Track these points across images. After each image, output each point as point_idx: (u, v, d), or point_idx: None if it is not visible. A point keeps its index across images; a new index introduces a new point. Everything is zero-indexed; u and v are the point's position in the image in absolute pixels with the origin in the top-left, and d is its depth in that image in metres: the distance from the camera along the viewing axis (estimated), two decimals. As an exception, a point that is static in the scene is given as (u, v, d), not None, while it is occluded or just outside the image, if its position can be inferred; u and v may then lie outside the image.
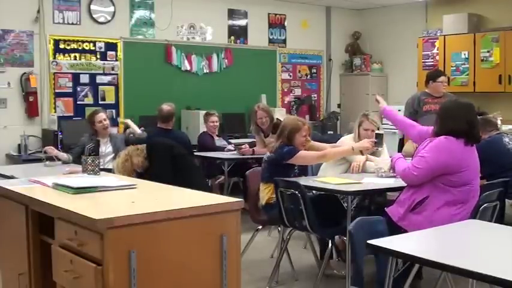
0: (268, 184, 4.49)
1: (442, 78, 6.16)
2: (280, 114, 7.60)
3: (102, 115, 5.78)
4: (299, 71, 9.44)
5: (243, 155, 6.25)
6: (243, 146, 6.36)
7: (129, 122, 6.41)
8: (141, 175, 4.43)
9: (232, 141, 7.23)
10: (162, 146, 4.85)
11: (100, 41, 7.45)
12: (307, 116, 9.38)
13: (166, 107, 6.21)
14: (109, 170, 4.81)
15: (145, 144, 4.82)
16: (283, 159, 4.43)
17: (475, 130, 3.59)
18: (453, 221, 3.37)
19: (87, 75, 7.37)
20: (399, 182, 3.86)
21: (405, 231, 3.41)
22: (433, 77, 6.18)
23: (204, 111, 7.33)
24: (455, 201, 3.51)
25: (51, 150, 5.35)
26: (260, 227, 4.83)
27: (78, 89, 7.32)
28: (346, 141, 4.82)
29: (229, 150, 6.60)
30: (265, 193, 4.52)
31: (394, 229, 3.38)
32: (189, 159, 5.23)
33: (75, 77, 7.29)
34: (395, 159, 3.85)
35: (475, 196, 3.59)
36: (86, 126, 6.01)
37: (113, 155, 5.50)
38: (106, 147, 5.71)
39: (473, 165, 3.59)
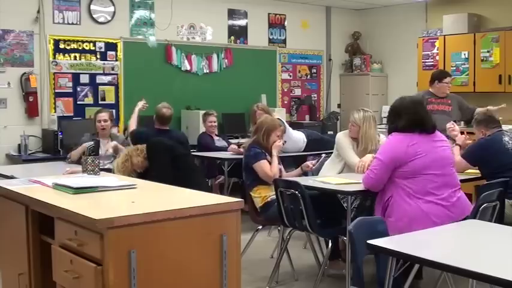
0: (255, 189, 4.65)
1: (447, 79, 6.18)
2: (280, 114, 7.60)
3: (103, 115, 5.69)
4: (299, 71, 9.44)
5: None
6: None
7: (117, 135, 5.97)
8: (141, 175, 4.43)
9: (233, 141, 7.22)
10: (162, 146, 4.84)
11: (100, 41, 7.45)
12: (307, 116, 9.40)
13: (167, 110, 6.08)
14: (109, 170, 4.80)
15: (145, 144, 4.82)
16: (249, 162, 4.66)
17: (425, 120, 3.70)
18: (430, 214, 3.44)
19: (87, 75, 7.37)
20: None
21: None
22: (438, 78, 6.17)
23: (203, 111, 7.32)
24: (416, 191, 3.53)
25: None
26: (260, 227, 4.83)
27: (78, 89, 7.31)
28: (342, 138, 4.84)
29: (231, 149, 6.55)
30: (257, 197, 4.65)
31: None
32: (190, 159, 5.23)
33: (75, 77, 7.28)
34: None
35: (441, 187, 3.57)
36: (90, 126, 5.97)
37: (113, 158, 5.46)
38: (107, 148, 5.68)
39: (429, 154, 3.60)
